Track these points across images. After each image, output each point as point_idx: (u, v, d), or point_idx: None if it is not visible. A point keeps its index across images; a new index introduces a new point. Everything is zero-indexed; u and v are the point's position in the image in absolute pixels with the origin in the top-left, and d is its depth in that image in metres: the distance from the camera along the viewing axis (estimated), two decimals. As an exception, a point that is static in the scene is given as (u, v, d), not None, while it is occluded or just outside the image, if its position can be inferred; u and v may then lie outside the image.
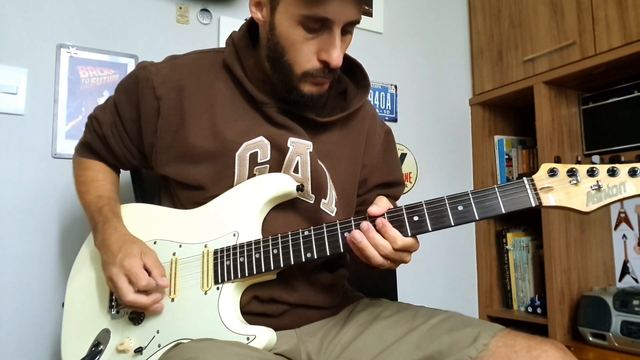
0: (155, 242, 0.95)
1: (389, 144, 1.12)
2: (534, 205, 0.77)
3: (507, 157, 2.13)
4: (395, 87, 2.01)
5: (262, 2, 0.89)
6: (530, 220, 2.04)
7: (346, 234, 0.83)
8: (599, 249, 1.86)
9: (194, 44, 1.63)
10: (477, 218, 0.78)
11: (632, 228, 1.84)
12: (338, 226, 0.84)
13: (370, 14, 1.98)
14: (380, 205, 0.83)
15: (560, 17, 1.81)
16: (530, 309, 1.90)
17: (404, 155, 1.99)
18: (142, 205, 1.04)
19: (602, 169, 0.76)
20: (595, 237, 1.86)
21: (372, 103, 1.94)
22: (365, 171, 1.05)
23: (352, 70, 1.05)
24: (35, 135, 1.41)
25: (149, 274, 0.88)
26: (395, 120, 2.00)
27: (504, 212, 0.78)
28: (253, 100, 0.95)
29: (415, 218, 0.81)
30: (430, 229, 0.80)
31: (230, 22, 1.68)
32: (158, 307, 0.89)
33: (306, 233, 0.85)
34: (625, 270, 1.85)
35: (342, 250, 0.84)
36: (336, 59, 0.86)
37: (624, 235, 1.86)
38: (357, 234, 0.81)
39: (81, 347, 0.93)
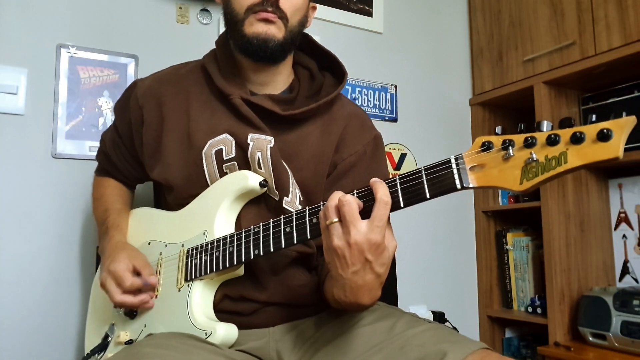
0: (149, 243, 1.03)
1: (376, 149, 1.05)
2: (459, 187, 0.67)
3: (507, 157, 2.13)
4: (395, 87, 2.01)
5: None
6: (530, 220, 2.04)
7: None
8: (599, 249, 1.86)
9: (194, 44, 1.63)
10: (402, 205, 0.72)
11: (632, 228, 1.84)
12: (294, 216, 0.81)
13: (370, 14, 1.98)
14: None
15: (560, 17, 1.81)
16: (530, 309, 1.90)
17: (404, 155, 1.99)
18: (147, 209, 1.12)
19: (541, 137, 0.63)
20: (595, 237, 1.86)
21: (372, 103, 1.95)
22: (338, 171, 1.00)
23: (330, 65, 1.07)
24: (35, 135, 1.41)
25: (140, 274, 0.94)
26: (395, 120, 2.00)
27: (428, 198, 0.69)
28: (222, 95, 0.99)
29: None
30: None
31: (230, 22, 1.68)
32: (148, 305, 0.95)
33: (256, 230, 0.86)
34: (625, 270, 1.85)
35: (308, 237, 0.79)
36: None
37: (624, 235, 1.86)
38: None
39: (97, 339, 1.05)
